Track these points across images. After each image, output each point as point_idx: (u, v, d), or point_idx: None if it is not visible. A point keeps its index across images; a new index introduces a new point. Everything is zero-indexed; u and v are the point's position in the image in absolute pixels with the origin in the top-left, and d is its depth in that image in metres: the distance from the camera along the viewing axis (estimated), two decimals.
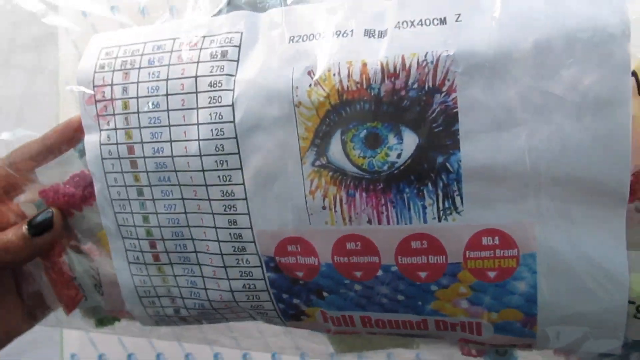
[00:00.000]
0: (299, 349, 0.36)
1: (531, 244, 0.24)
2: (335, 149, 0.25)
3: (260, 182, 0.27)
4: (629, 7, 0.22)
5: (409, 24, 0.25)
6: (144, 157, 0.29)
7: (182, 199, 0.29)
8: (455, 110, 0.24)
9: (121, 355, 0.45)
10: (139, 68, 0.29)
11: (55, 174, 0.31)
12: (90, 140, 0.30)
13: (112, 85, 0.29)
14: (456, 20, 0.24)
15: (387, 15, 0.25)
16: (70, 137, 0.31)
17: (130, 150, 0.29)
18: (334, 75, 0.25)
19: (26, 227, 0.31)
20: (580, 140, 0.23)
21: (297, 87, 0.25)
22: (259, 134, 0.26)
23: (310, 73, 0.25)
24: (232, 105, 0.26)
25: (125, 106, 0.29)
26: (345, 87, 0.25)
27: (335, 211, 0.26)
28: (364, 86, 0.24)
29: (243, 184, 0.27)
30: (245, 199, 0.27)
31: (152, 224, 0.30)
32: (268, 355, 0.44)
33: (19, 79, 0.31)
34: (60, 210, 0.32)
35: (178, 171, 0.28)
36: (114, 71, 0.29)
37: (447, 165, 0.24)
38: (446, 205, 0.25)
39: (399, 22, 0.25)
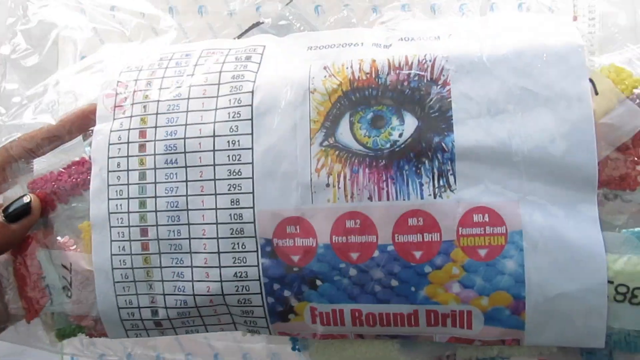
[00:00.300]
0: None
1: (517, 222, 0.26)
2: (343, 130, 0.28)
3: (269, 161, 0.29)
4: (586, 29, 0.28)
5: (410, 39, 0.30)
6: (155, 141, 0.30)
7: (186, 181, 0.30)
8: (449, 100, 0.28)
9: (121, 355, 0.39)
10: (166, 68, 0.32)
11: (55, 162, 0.32)
12: (101, 128, 0.31)
13: (136, 80, 0.32)
14: (448, 37, 0.30)
15: (389, 36, 0.31)
16: (78, 126, 0.32)
17: (142, 134, 0.31)
18: (347, 68, 0.29)
19: (1, 213, 0.30)
20: (553, 128, 0.27)
21: (313, 78, 0.29)
22: (274, 116, 0.29)
23: (326, 68, 0.29)
24: (252, 91, 0.30)
25: (146, 97, 0.31)
26: (357, 77, 0.29)
27: (339, 188, 0.28)
28: (373, 76, 0.29)
29: (252, 162, 0.29)
30: (252, 177, 0.29)
31: (148, 209, 0.30)
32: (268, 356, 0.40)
33: (19, 79, 0.33)
34: (41, 200, 0.31)
35: (188, 152, 0.30)
36: (140, 70, 0.32)
37: (443, 144, 0.27)
38: (441, 183, 0.27)
39: (401, 39, 0.30)
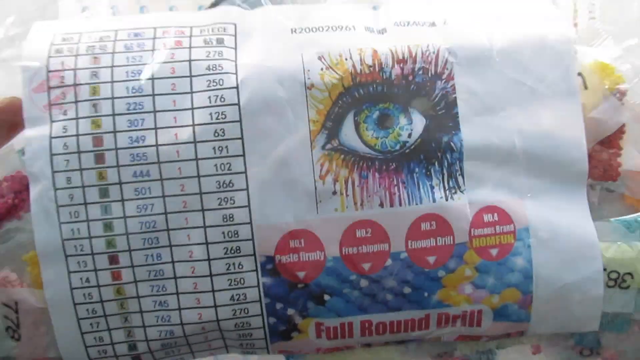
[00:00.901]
0: None
1: (524, 219, 0.27)
2: (347, 131, 0.25)
3: (265, 169, 0.25)
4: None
5: (405, 24, 0.27)
6: (116, 149, 0.25)
7: (163, 196, 0.25)
8: (454, 96, 0.26)
9: None
10: (113, 52, 0.26)
11: None
12: (34, 134, 0.25)
13: (75, 69, 0.25)
14: (444, 24, 0.28)
15: (381, 18, 0.28)
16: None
17: (97, 141, 0.25)
18: (346, 59, 0.26)
19: None
20: (549, 123, 0.27)
21: (308, 70, 0.25)
22: (266, 117, 0.25)
23: (321, 58, 0.26)
24: (237, 87, 0.25)
25: (95, 92, 0.25)
26: (359, 70, 0.26)
27: (347, 195, 0.25)
28: (377, 69, 0.26)
29: (245, 172, 0.25)
30: (247, 189, 0.25)
31: (116, 232, 0.25)
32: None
33: (16, 78, 0.26)
34: None
35: (162, 162, 0.25)
36: (77, 55, 0.25)
37: (452, 144, 0.26)
38: (451, 184, 0.26)
39: (395, 22, 0.27)
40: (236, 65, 0.26)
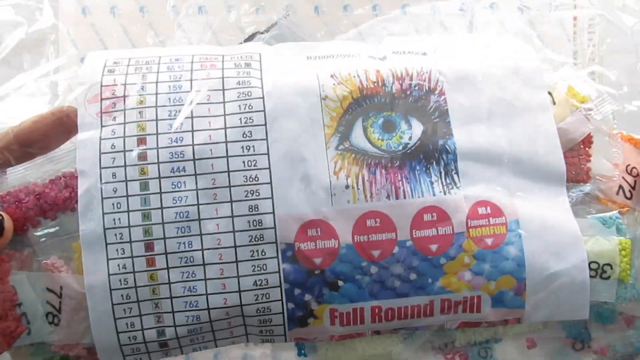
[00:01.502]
0: None
1: (514, 212, 0.30)
2: (357, 134, 0.30)
3: (286, 166, 0.29)
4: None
5: (401, 53, 0.33)
6: (157, 148, 0.28)
7: (197, 189, 0.28)
8: (446, 107, 0.31)
9: None
10: (158, 72, 0.30)
11: (37, 173, 0.28)
12: (88, 137, 0.28)
13: (125, 84, 0.29)
14: (434, 53, 0.33)
15: (381, 49, 0.33)
16: (56, 133, 0.29)
17: (141, 141, 0.28)
18: (354, 77, 0.31)
19: None
20: (529, 133, 0.31)
21: (323, 85, 0.30)
22: (288, 121, 0.29)
23: (333, 76, 0.30)
24: (263, 97, 0.29)
25: (141, 102, 0.29)
26: (365, 85, 0.30)
27: (358, 189, 0.29)
28: (380, 85, 0.30)
29: (269, 167, 0.29)
30: (270, 182, 0.28)
31: (153, 221, 0.28)
32: (269, 355, 0.37)
33: (18, 79, 0.29)
34: (17, 217, 0.27)
35: (197, 159, 0.28)
36: (127, 74, 0.30)
37: (447, 146, 0.30)
38: (448, 181, 0.30)
39: (393, 52, 0.33)
40: (262, 81, 0.30)
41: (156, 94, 0.29)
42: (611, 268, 0.30)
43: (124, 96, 0.29)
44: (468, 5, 0.36)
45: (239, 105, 0.29)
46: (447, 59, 0.33)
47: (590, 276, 0.31)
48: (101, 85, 0.29)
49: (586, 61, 0.34)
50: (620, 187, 0.32)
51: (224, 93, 0.30)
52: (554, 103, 0.33)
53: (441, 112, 0.31)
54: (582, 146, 0.33)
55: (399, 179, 0.29)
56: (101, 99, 0.29)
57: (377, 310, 0.29)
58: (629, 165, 0.32)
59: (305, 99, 0.30)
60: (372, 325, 0.30)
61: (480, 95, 0.31)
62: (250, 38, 0.35)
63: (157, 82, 0.30)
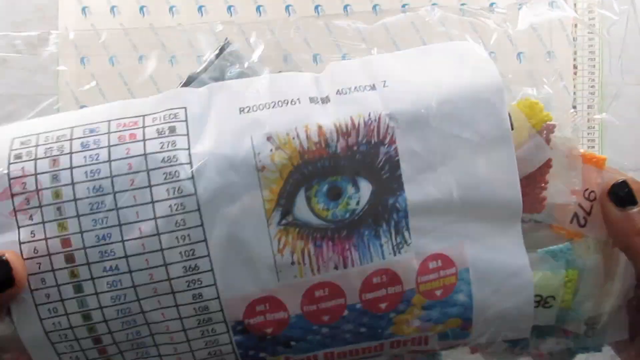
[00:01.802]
0: None
1: (464, 260, 0.30)
2: (300, 205, 0.27)
3: (226, 250, 0.27)
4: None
5: (346, 91, 0.29)
6: (85, 248, 0.26)
7: (134, 286, 0.27)
8: (397, 159, 0.28)
9: None
10: (71, 153, 0.26)
11: None
12: (5, 240, 0.26)
13: (35, 174, 0.26)
14: (383, 86, 0.29)
15: (323, 85, 0.29)
16: None
17: (65, 243, 0.26)
18: (294, 138, 0.27)
19: None
20: (485, 171, 0.29)
21: (259, 153, 0.27)
22: (223, 203, 0.27)
23: (269, 139, 0.27)
24: (192, 177, 0.26)
25: (57, 195, 0.26)
26: (306, 148, 0.27)
27: (304, 264, 0.28)
28: (323, 145, 0.27)
29: (208, 255, 0.27)
30: (211, 270, 0.27)
31: (95, 320, 0.27)
32: None
33: (18, 79, 0.27)
34: None
35: (129, 256, 0.26)
36: (36, 159, 0.26)
37: (397, 205, 0.28)
38: (398, 240, 0.29)
39: (338, 90, 0.29)
40: (190, 154, 0.27)
41: (72, 184, 0.26)
42: (554, 299, 0.31)
43: (37, 190, 0.26)
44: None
45: (167, 190, 0.26)
46: (398, 91, 0.29)
47: (534, 306, 0.32)
48: (9, 178, 0.26)
49: None
50: (575, 214, 0.31)
51: (148, 175, 0.26)
52: (512, 128, 0.30)
53: (392, 165, 0.28)
54: (539, 174, 0.31)
55: (347, 248, 0.28)
56: (12, 195, 0.26)
57: (329, 355, 0.31)
58: (587, 189, 0.31)
59: (241, 174, 0.27)
60: None
61: (434, 137, 0.29)
62: (187, 82, 0.30)
63: (71, 168, 0.26)
